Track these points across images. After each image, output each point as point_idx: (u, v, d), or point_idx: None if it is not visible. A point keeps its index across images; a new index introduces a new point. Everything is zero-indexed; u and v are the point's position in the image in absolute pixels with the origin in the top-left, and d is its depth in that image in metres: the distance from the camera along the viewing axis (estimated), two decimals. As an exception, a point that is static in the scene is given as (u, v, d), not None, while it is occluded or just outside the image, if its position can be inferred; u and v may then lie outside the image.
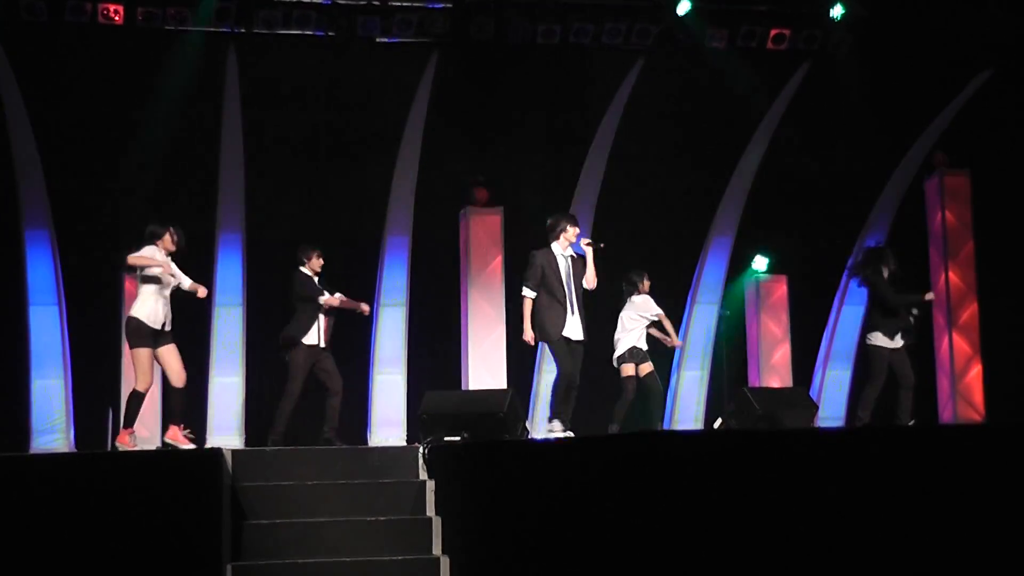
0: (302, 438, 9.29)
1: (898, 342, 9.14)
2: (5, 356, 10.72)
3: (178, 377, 8.13)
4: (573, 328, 8.06)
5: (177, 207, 11.23)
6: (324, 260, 9.06)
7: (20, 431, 10.45)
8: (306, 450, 8.03)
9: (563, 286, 8.05)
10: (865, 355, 9.48)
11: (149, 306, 8.03)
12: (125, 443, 8.05)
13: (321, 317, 8.92)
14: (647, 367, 9.55)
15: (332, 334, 9.05)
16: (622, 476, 4.67)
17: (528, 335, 8.13)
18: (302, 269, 9.02)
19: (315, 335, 8.86)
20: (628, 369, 9.51)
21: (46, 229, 10.81)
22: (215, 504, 6.37)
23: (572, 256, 8.19)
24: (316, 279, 9.02)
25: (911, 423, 8.98)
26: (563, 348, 8.05)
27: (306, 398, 9.00)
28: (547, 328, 8.06)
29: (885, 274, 9.21)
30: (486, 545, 6.29)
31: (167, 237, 8.20)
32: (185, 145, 11.30)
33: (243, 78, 11.08)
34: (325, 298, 8.93)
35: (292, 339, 8.84)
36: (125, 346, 8.44)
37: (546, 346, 8.39)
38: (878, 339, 9.13)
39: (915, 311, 9.31)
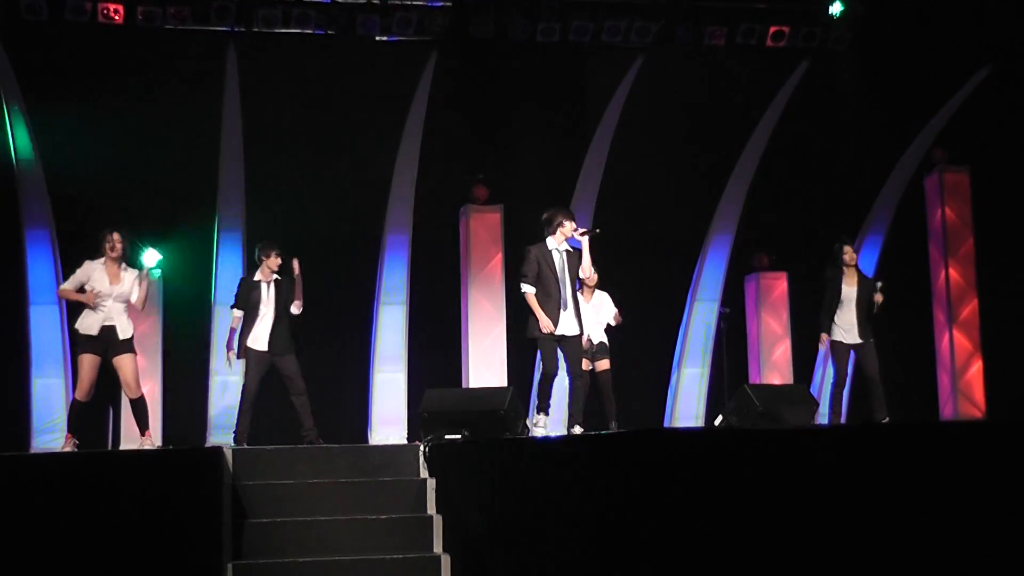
0: (302, 437, 9.28)
1: (855, 338, 9.26)
2: (5, 355, 10.72)
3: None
4: (567, 324, 8.00)
5: (177, 205, 11.26)
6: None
7: (21, 430, 10.46)
8: (306, 449, 8.04)
9: (557, 282, 7.98)
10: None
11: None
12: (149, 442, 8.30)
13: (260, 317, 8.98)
14: (603, 364, 9.58)
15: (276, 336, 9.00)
16: (623, 473, 4.68)
17: (546, 324, 7.92)
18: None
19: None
20: (585, 364, 9.59)
21: (46, 228, 10.81)
22: (216, 503, 6.38)
23: (567, 250, 8.13)
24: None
25: (886, 420, 9.02)
26: (550, 347, 7.99)
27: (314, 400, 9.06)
28: (538, 324, 7.99)
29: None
30: (487, 543, 6.29)
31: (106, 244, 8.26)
32: (185, 143, 11.30)
33: (243, 77, 11.08)
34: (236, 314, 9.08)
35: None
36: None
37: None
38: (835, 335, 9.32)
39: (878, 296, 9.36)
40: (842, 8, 11.82)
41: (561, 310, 7.96)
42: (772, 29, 11.94)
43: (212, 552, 6.23)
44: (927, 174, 12.42)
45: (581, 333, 8.13)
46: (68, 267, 10.71)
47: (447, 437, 7.84)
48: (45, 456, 8.38)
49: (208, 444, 10.41)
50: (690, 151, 12.17)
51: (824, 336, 9.33)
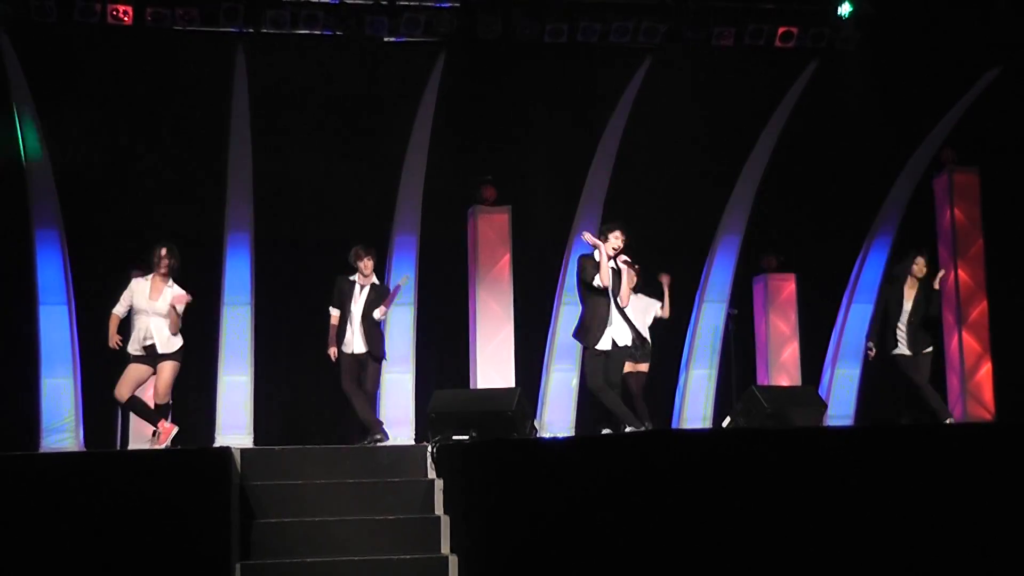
0: (310, 437, 9.31)
1: (904, 349, 9.35)
2: (15, 355, 10.75)
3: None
4: (616, 334, 7.90)
5: (186, 206, 11.28)
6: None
7: (30, 430, 10.48)
8: (314, 449, 8.05)
9: (606, 297, 7.90)
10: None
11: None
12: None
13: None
14: (642, 366, 9.56)
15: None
16: (631, 474, 4.67)
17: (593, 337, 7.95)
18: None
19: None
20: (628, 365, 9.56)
21: (55, 228, 10.84)
22: (224, 503, 6.39)
23: (622, 262, 8.02)
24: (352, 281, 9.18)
25: (949, 421, 9.08)
26: (596, 358, 7.86)
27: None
28: (588, 334, 7.91)
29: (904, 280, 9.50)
30: (494, 544, 6.30)
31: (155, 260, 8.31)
32: (194, 144, 11.33)
33: (251, 78, 11.09)
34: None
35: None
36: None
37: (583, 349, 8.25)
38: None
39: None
40: (851, 8, 11.80)
41: (607, 326, 7.88)
42: (781, 30, 11.91)
43: (220, 552, 6.24)
44: (936, 175, 12.39)
45: (628, 345, 7.97)
46: (77, 268, 10.79)
47: (455, 438, 7.86)
48: (54, 456, 8.40)
49: (216, 444, 10.42)
50: (698, 152, 12.15)
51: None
